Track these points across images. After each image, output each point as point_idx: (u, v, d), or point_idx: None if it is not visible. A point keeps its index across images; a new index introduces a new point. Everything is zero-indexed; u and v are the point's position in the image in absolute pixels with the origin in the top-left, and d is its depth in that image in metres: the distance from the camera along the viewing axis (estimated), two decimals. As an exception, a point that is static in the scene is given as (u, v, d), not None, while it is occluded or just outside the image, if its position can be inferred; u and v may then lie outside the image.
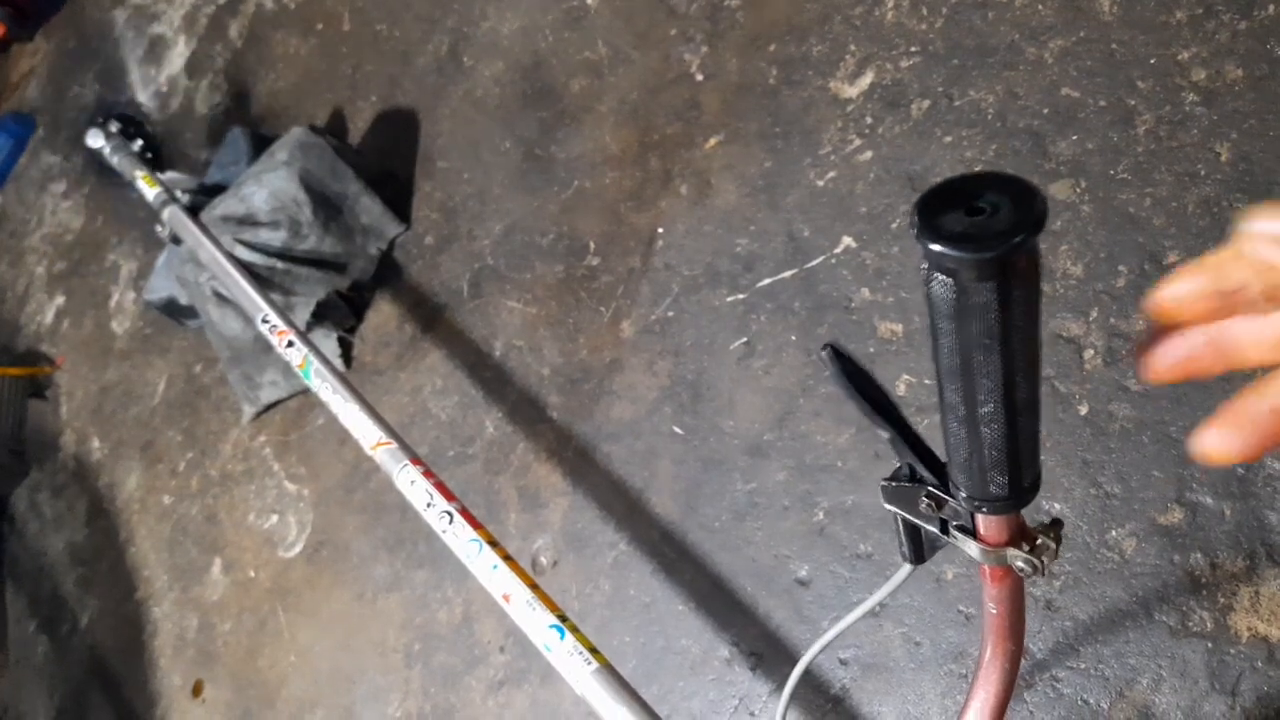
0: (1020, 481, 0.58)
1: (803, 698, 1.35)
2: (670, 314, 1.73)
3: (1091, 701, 1.16)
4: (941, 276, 0.44)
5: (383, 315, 2.23)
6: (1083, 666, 1.18)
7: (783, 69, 1.77)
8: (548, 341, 1.89)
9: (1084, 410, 1.27)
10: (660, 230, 1.81)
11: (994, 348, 0.47)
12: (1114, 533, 1.20)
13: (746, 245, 1.68)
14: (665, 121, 1.90)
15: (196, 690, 2.20)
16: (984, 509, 0.61)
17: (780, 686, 1.39)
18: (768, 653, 1.42)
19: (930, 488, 0.66)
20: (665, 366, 1.69)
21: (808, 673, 1.36)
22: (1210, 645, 1.11)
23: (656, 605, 1.55)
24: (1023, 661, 1.21)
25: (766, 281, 1.63)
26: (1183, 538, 1.16)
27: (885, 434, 0.64)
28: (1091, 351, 1.28)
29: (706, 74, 1.88)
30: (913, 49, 1.62)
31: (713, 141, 1.81)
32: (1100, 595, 1.19)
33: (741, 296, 1.65)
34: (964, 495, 0.61)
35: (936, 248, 0.42)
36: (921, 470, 0.66)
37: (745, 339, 1.61)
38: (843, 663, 1.34)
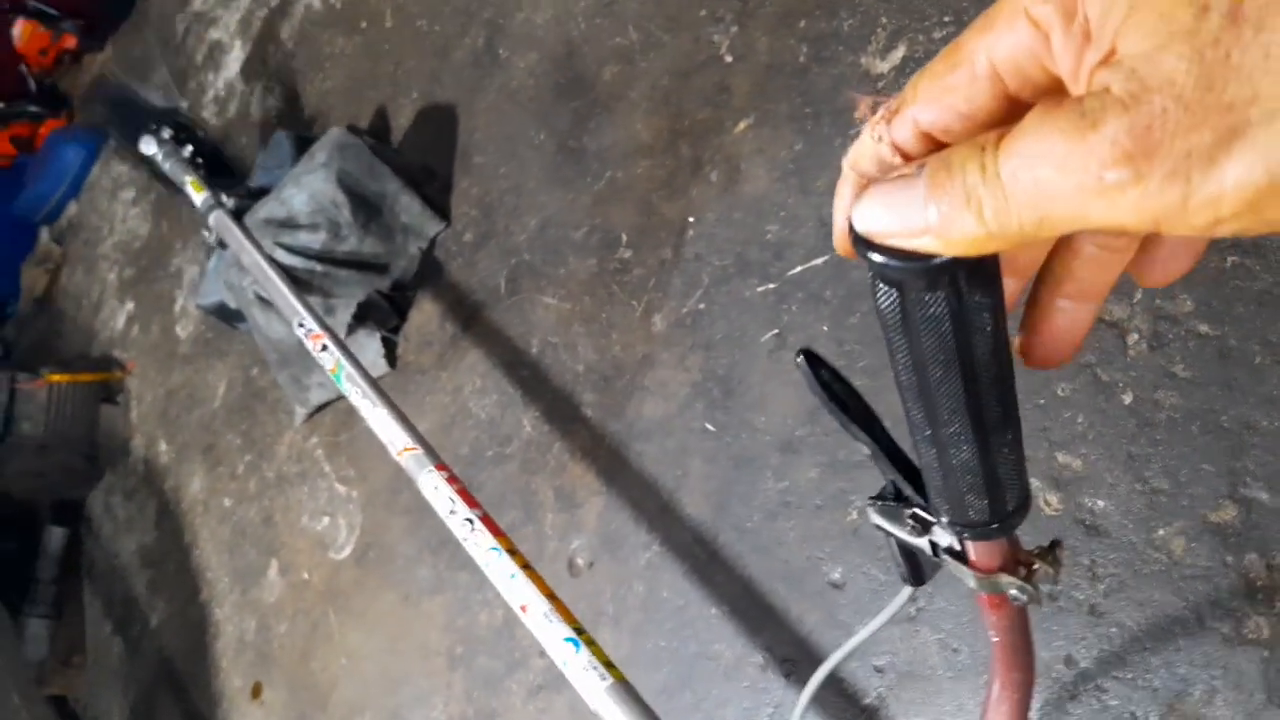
0: (1003, 505, 0.51)
1: (835, 706, 1.29)
2: (701, 306, 1.67)
3: (1139, 714, 1.08)
4: (885, 288, 0.38)
5: (425, 314, 2.22)
6: (1130, 676, 1.10)
7: (813, 46, 1.69)
8: (582, 338, 1.85)
9: (1128, 399, 1.18)
10: (691, 219, 1.75)
11: (951, 363, 0.40)
12: (1162, 532, 1.12)
13: (777, 232, 1.61)
14: (695, 107, 1.84)
15: (255, 692, 2.23)
16: (966, 535, 0.55)
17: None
18: (801, 659, 1.37)
19: (916, 509, 0.60)
20: (696, 361, 1.64)
21: (841, 680, 1.30)
22: (1267, 654, 1.02)
23: (690, 609, 1.51)
24: (1066, 670, 1.14)
25: (798, 269, 1.56)
26: (1236, 536, 1.07)
27: (865, 449, 0.59)
28: (1136, 336, 1.19)
29: (736, 55, 1.81)
30: (946, 19, 1.53)
31: (743, 125, 1.74)
32: (1147, 599, 1.11)
33: (772, 286, 1.58)
34: (946, 520, 0.55)
35: (877, 257, 0.36)
36: (906, 489, 0.60)
37: (776, 330, 1.55)
38: (878, 670, 1.28)
